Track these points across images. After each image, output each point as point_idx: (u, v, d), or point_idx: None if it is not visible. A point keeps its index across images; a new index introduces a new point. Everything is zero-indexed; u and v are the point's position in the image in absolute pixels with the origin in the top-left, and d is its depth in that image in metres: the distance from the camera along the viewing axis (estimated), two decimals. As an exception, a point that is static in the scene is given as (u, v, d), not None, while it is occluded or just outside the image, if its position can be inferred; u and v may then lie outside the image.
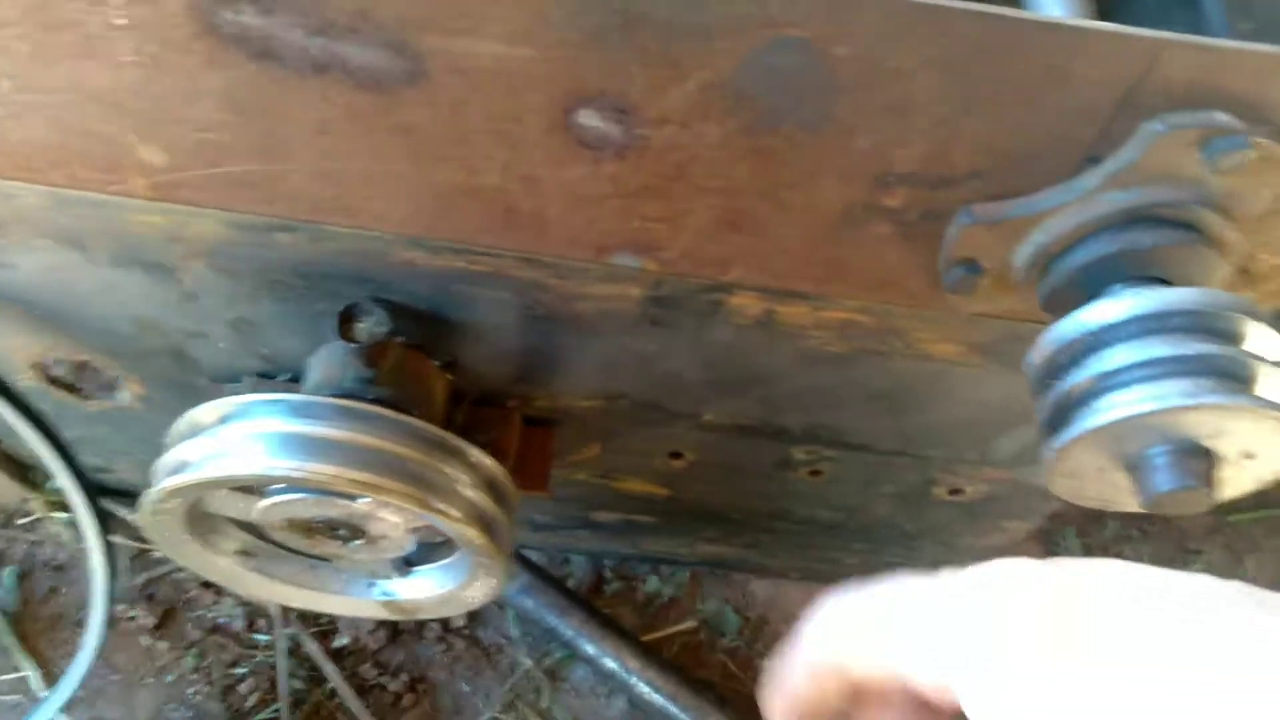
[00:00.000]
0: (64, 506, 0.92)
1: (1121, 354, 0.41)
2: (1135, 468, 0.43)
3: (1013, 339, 0.58)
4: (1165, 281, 0.45)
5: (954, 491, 0.77)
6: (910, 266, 0.51)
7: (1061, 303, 0.47)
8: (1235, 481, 0.43)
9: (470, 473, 0.59)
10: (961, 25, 0.37)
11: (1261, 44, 0.38)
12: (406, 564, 0.69)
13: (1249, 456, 0.42)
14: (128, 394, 0.74)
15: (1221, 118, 0.40)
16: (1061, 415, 0.44)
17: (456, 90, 0.42)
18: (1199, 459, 0.41)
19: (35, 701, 0.87)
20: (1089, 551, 1.09)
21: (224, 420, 0.55)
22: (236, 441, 0.54)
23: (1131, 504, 0.44)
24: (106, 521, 0.81)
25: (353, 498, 0.57)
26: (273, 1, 0.38)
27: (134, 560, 0.96)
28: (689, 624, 1.00)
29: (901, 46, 0.39)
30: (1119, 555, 1.09)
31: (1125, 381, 0.41)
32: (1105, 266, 0.45)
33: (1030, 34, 0.38)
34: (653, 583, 1.01)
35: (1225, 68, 0.39)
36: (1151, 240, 0.43)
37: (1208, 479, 0.41)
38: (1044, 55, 0.39)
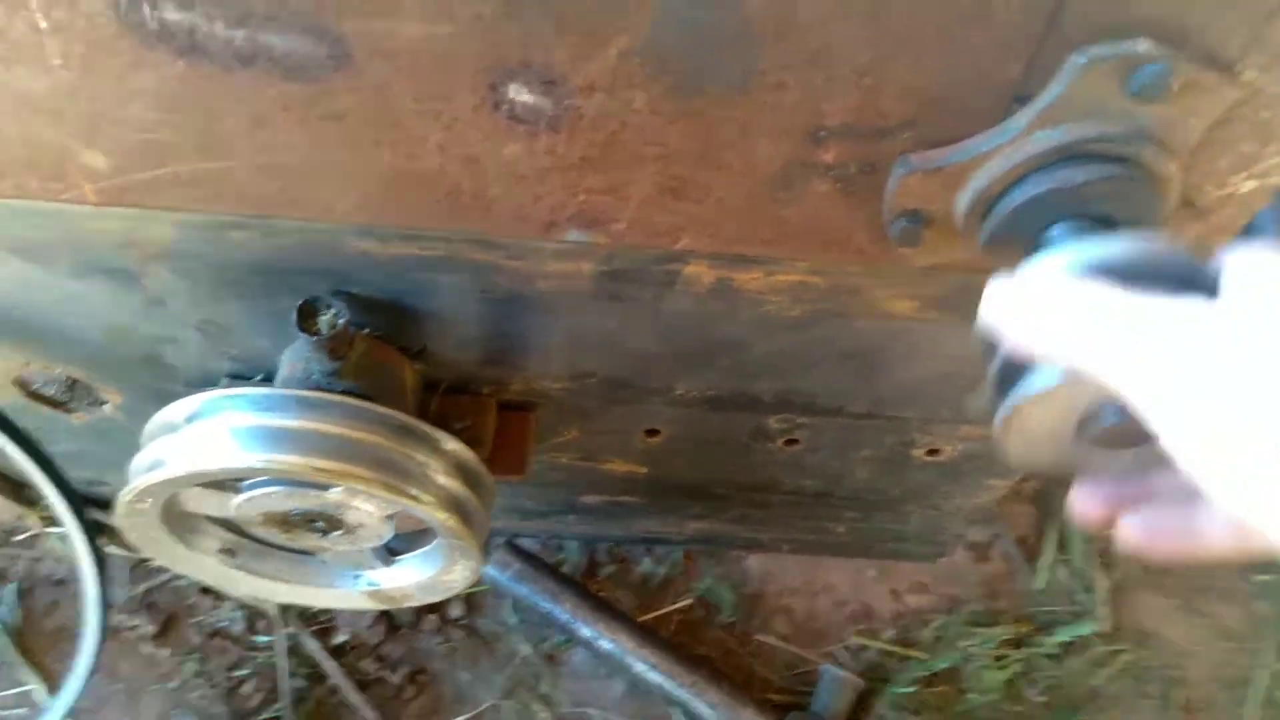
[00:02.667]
0: (59, 522, 0.93)
1: None
2: (1087, 430, 0.43)
3: (969, 292, 0.57)
4: (1107, 219, 0.45)
5: (932, 452, 0.77)
6: (855, 222, 0.51)
7: (1003, 246, 0.47)
8: None
9: (441, 458, 0.59)
10: (868, -30, 0.37)
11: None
12: (390, 553, 0.69)
13: None
14: (110, 405, 0.75)
15: (1143, 46, 0.40)
16: (1009, 378, 0.42)
17: (382, 72, 0.43)
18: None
19: (40, 714, 0.88)
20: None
21: (191, 418, 0.56)
22: (204, 438, 0.55)
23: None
24: (101, 533, 0.82)
25: (324, 487, 0.58)
26: (190, -6, 0.39)
27: (133, 570, 0.97)
28: (685, 602, 1.00)
29: (814, -4, 0.39)
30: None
31: None
32: (1043, 206, 0.45)
33: (940, -25, 0.38)
34: (647, 564, 1.01)
35: (1138, -4, 0.39)
36: (1084, 176, 0.43)
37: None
38: (957, -4, 0.39)
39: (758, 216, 0.51)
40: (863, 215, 0.50)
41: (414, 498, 0.57)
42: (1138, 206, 0.45)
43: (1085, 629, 1.02)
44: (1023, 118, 0.43)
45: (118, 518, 0.58)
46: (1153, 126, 0.43)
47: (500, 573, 0.93)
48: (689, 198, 0.50)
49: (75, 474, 0.82)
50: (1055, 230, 0.46)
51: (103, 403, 0.75)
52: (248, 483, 0.58)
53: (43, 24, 0.40)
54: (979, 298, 0.60)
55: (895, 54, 0.41)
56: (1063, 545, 1.07)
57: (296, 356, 0.61)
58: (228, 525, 0.65)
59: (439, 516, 0.57)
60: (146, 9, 0.40)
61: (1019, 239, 0.47)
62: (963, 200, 0.47)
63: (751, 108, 0.44)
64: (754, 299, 0.58)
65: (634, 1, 0.39)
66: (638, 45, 0.41)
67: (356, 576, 0.70)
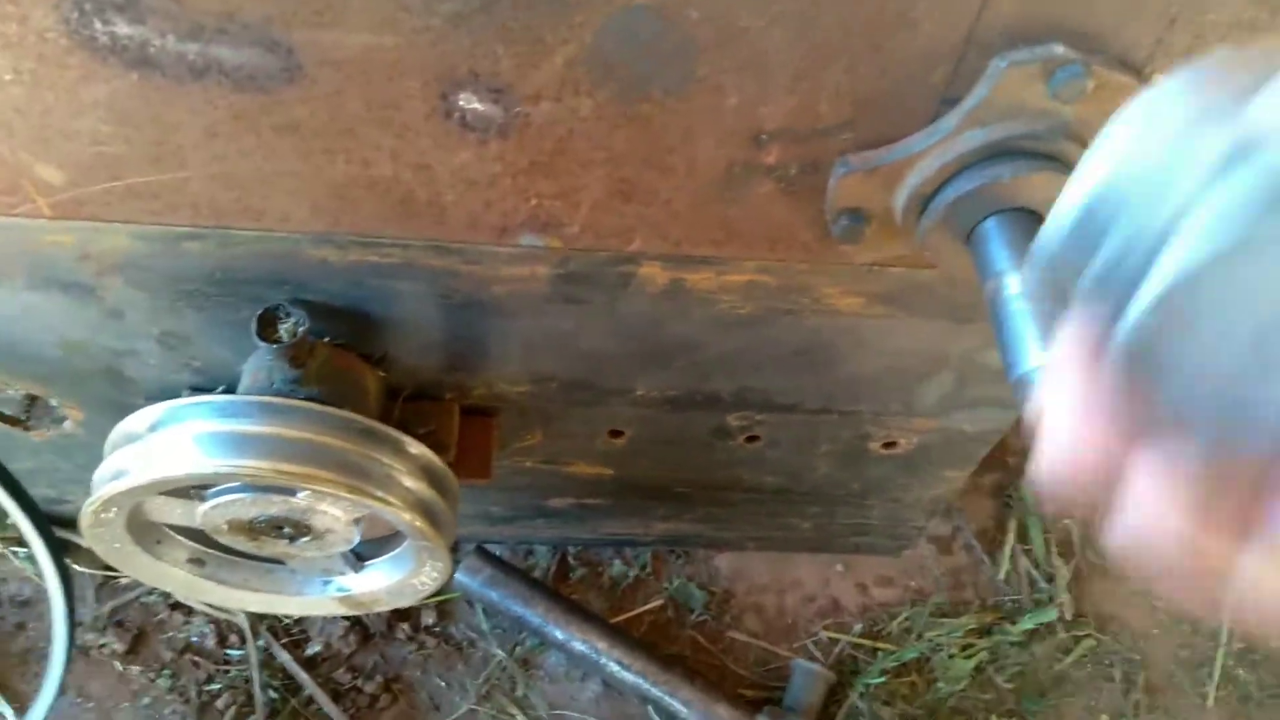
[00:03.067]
0: (23, 542, 0.93)
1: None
2: None
3: (914, 288, 0.60)
4: (1035, 212, 0.48)
5: (888, 445, 0.79)
6: (799, 221, 0.53)
7: (939, 242, 0.49)
8: None
9: (406, 461, 0.60)
10: (796, -22, 0.39)
11: (1083, -26, 0.40)
12: (358, 559, 0.70)
13: None
14: (70, 421, 0.75)
15: (1059, 49, 0.42)
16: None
17: (332, 82, 0.44)
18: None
19: (11, 735, 0.87)
20: (1040, 501, 1.11)
21: (153, 427, 0.57)
22: (166, 446, 0.55)
23: None
24: (65, 551, 0.82)
25: (290, 492, 0.58)
26: (140, 9, 0.40)
27: (100, 588, 0.96)
28: (656, 603, 1.01)
29: (747, 5, 0.40)
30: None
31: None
32: (975, 201, 0.47)
33: (864, -18, 0.40)
34: (617, 566, 1.03)
35: (1053, 1, 0.41)
36: (1011, 172, 0.45)
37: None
38: (883, 2, 0.41)
39: (705, 217, 0.52)
40: (806, 214, 0.52)
41: (381, 499, 0.58)
42: (1066, 200, 0.47)
43: (1048, 616, 1.04)
44: (952, 118, 0.45)
45: (83, 530, 0.58)
46: (1073, 124, 0.45)
47: (471, 579, 0.94)
48: (638, 200, 0.51)
49: (37, 491, 0.82)
50: (988, 224, 0.48)
51: (63, 419, 0.75)
52: (213, 490, 0.59)
53: (-5, 41, 0.41)
54: (923, 293, 0.62)
55: (827, 61, 0.43)
56: (1023, 535, 1.09)
57: (258, 365, 0.61)
58: (195, 535, 0.65)
59: (406, 518, 0.58)
60: (97, 24, 0.41)
61: (955, 233, 0.49)
62: (900, 198, 0.49)
63: (693, 112, 0.46)
64: (706, 298, 0.60)
65: (578, 13, 0.41)
66: (582, 54, 0.43)
67: (326, 583, 0.71)
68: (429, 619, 0.98)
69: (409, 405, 0.70)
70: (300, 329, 0.59)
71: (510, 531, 0.98)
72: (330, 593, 0.71)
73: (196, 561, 0.68)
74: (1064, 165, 0.46)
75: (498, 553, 0.98)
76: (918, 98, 0.46)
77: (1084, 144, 0.46)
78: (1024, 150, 0.46)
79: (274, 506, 0.59)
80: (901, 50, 0.43)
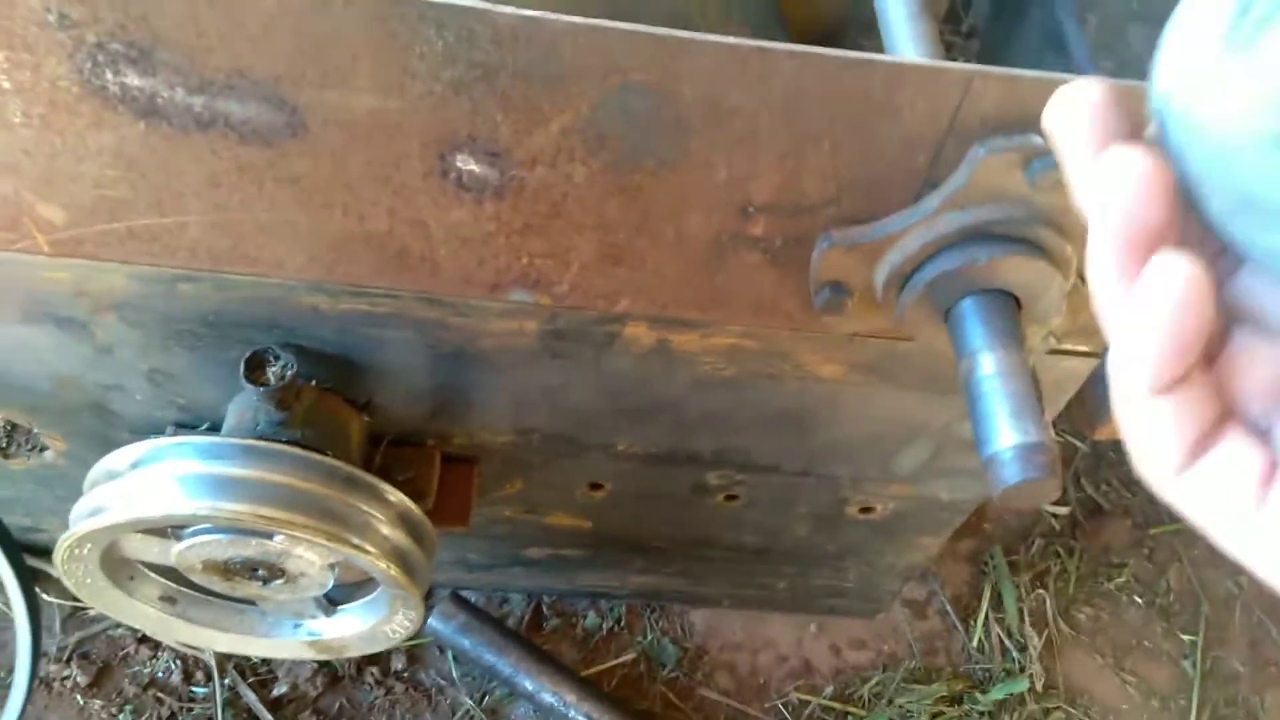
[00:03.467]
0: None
1: None
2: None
3: (894, 357, 0.61)
4: (1011, 294, 0.49)
5: (865, 510, 0.80)
6: (784, 291, 0.54)
7: (918, 317, 0.51)
8: None
9: (384, 508, 0.61)
10: (785, 65, 0.41)
11: (1060, 73, 0.42)
12: (330, 603, 0.70)
13: None
14: (51, 452, 0.75)
15: (1037, 140, 0.44)
16: None
17: (336, 140, 0.45)
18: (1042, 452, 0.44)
19: (-35, 768, 0.86)
20: (1015, 569, 1.12)
21: (135, 465, 0.57)
22: (147, 485, 0.55)
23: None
24: (36, 580, 0.81)
25: (267, 535, 0.58)
26: (152, 63, 0.41)
27: (67, 620, 0.95)
28: (628, 656, 1.01)
29: (738, 87, 0.42)
30: (1044, 572, 1.13)
31: None
32: (953, 281, 0.48)
33: (851, 71, 0.42)
34: (591, 618, 1.02)
35: (1031, 95, 0.43)
36: (988, 255, 0.47)
37: (1053, 469, 0.44)
38: (867, 90, 0.43)
39: (693, 283, 0.54)
40: (790, 284, 0.53)
41: (357, 547, 0.58)
42: (1039, 283, 0.49)
43: (1019, 686, 1.04)
44: (933, 200, 0.47)
45: (57, 564, 0.58)
46: (1050, 211, 0.47)
47: (444, 625, 0.93)
48: (627, 264, 0.53)
49: (11, 519, 0.81)
50: (965, 303, 0.49)
51: (44, 449, 0.75)
52: (189, 530, 0.59)
53: (5, 84, 0.42)
54: (903, 363, 0.63)
55: (814, 142, 0.45)
56: (997, 603, 1.10)
57: (244, 406, 0.62)
58: (168, 573, 0.65)
59: (382, 566, 0.58)
60: (109, 75, 0.42)
61: (933, 310, 0.50)
62: (881, 273, 0.50)
63: (684, 184, 0.47)
64: (690, 359, 0.61)
65: (575, 85, 0.42)
66: (578, 124, 0.44)
67: (297, 625, 0.71)
68: (398, 664, 0.97)
69: (391, 450, 0.70)
70: (288, 373, 0.59)
71: (487, 579, 0.98)
72: (300, 636, 0.71)
73: (168, 599, 0.67)
74: (1039, 250, 0.48)
75: (472, 599, 0.97)
76: (900, 179, 0.47)
77: (1060, 230, 0.48)
78: (1001, 234, 0.47)
79: (250, 549, 0.59)
80: (885, 135, 0.45)
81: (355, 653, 0.71)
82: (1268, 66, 0.20)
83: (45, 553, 0.92)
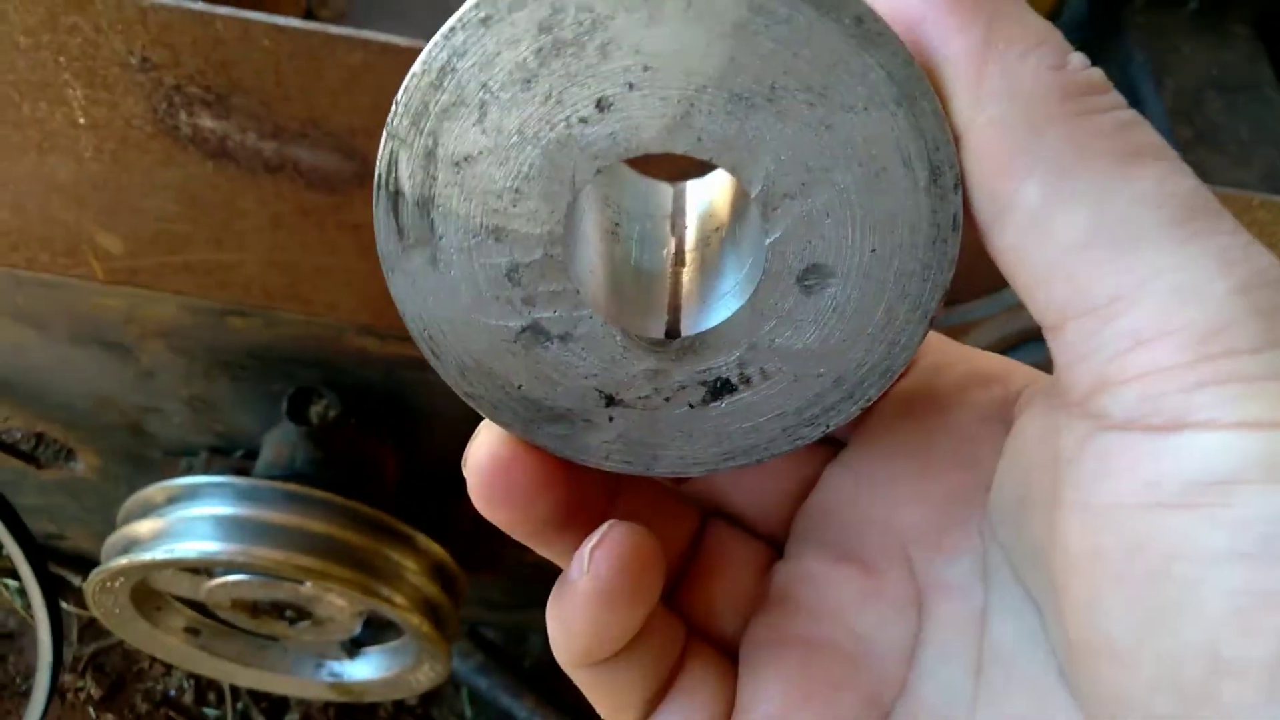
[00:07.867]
0: (14, 574, 0.91)
1: None
2: None
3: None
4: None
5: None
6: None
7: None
8: None
9: (417, 559, 0.59)
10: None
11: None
12: (355, 645, 0.68)
13: None
14: (83, 464, 0.74)
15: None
16: None
17: (404, 193, 0.44)
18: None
19: (-28, 776, 0.85)
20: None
21: (173, 501, 0.56)
22: (184, 524, 0.54)
23: None
24: (57, 588, 0.80)
25: (299, 581, 0.57)
26: (227, 108, 0.40)
27: (85, 629, 0.94)
28: (646, 707, 0.98)
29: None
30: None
31: None
32: (1030, 376, 0.46)
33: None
34: (611, 664, 1.00)
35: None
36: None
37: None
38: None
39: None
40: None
41: (387, 599, 0.56)
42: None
43: None
44: (1015, 293, 0.45)
45: (87, 595, 0.57)
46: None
47: (461, 663, 0.91)
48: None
49: (37, 526, 0.81)
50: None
51: (74, 461, 0.74)
52: (222, 569, 0.58)
53: (81, 120, 0.41)
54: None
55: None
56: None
57: (282, 440, 0.61)
58: (195, 605, 0.64)
59: (412, 621, 0.56)
60: (183, 115, 0.41)
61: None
62: (954, 359, 0.48)
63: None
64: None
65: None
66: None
67: (319, 665, 0.69)
68: (412, 699, 0.95)
69: (426, 493, 0.69)
70: (331, 414, 0.58)
71: (508, 618, 0.96)
72: (322, 676, 0.69)
73: (192, 631, 0.66)
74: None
75: (491, 636, 0.96)
76: (985, 267, 0.45)
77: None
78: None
79: (281, 591, 0.58)
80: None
81: (377, 698, 0.69)
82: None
83: (67, 558, 0.91)
